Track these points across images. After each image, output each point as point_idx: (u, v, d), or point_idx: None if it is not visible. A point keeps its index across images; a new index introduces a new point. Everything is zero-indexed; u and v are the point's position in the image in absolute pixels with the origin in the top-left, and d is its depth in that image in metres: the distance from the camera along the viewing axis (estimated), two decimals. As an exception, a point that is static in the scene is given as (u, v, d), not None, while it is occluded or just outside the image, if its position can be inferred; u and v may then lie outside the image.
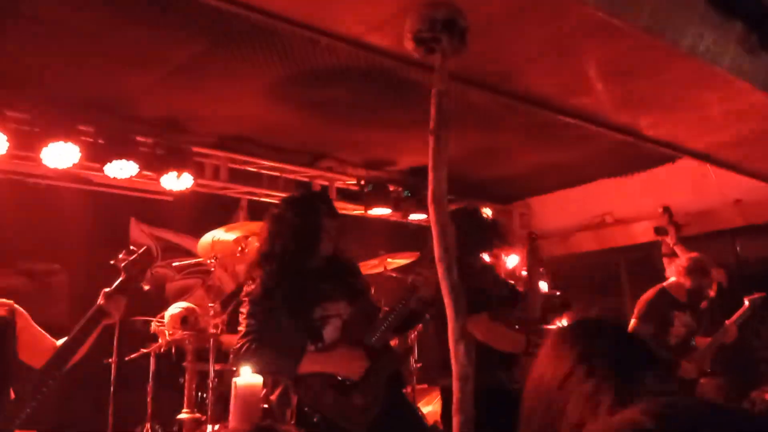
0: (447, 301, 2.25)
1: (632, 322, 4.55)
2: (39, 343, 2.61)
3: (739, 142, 4.71)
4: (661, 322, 4.47)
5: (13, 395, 2.44)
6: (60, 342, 2.59)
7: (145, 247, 2.70)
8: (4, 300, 2.58)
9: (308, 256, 2.92)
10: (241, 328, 2.85)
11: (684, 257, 4.72)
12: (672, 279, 4.67)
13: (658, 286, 4.67)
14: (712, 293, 4.70)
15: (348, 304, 2.92)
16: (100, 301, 2.55)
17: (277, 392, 2.88)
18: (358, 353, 2.77)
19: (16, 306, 2.61)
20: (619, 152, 5.81)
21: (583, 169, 6.52)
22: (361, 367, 2.75)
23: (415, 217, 6.70)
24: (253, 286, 2.88)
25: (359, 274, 3.18)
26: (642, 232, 6.76)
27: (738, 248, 6.50)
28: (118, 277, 2.67)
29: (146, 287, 2.69)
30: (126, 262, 2.64)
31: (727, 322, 4.77)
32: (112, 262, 2.68)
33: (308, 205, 3.03)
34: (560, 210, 7.42)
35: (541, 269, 3.53)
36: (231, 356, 2.83)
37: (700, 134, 4.81)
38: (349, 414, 2.68)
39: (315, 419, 2.66)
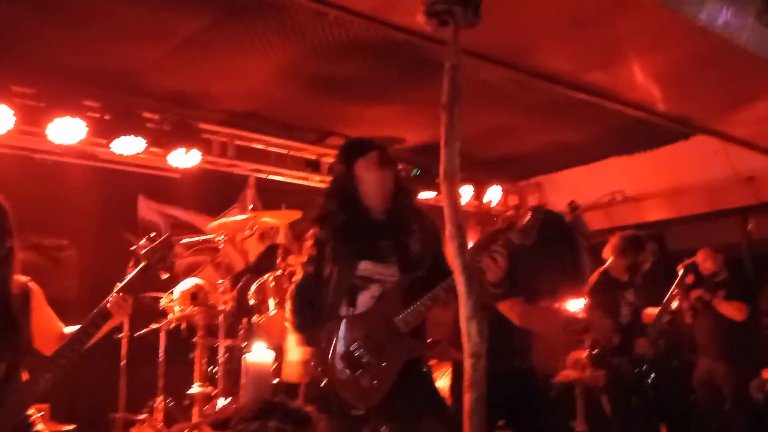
0: (458, 279, 2.21)
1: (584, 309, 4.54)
2: (47, 326, 2.61)
3: (755, 120, 4.65)
4: (609, 304, 4.44)
5: (26, 375, 2.44)
6: (67, 330, 2.59)
7: (165, 235, 2.69)
8: (21, 277, 2.57)
9: (353, 210, 2.78)
10: (296, 277, 2.86)
11: (616, 236, 4.68)
12: (610, 259, 4.61)
13: (600, 269, 4.62)
14: (647, 266, 4.70)
15: (399, 270, 2.74)
16: (106, 303, 2.54)
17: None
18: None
19: (31, 285, 2.61)
20: (631, 130, 5.73)
21: (594, 147, 6.44)
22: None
23: (425, 195, 6.65)
24: (310, 242, 2.84)
25: (431, 236, 2.87)
26: (653, 211, 6.71)
27: (749, 226, 6.45)
28: (129, 257, 2.67)
29: (165, 275, 2.69)
30: (146, 249, 2.63)
31: (670, 291, 4.88)
32: (133, 248, 2.68)
33: (345, 155, 2.90)
34: (571, 188, 7.34)
35: (585, 243, 3.49)
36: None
37: (715, 111, 4.74)
38: (353, 391, 2.65)
39: (322, 383, 2.65)
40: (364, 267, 2.73)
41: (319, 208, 2.88)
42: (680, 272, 5.10)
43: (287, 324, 2.90)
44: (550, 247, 3.15)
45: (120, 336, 4.49)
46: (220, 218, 4.67)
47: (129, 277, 2.62)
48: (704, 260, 5.49)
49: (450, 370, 3.73)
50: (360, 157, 2.84)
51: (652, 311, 4.74)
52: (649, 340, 4.47)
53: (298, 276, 2.85)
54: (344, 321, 2.70)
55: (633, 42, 3.44)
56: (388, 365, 2.67)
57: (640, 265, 4.53)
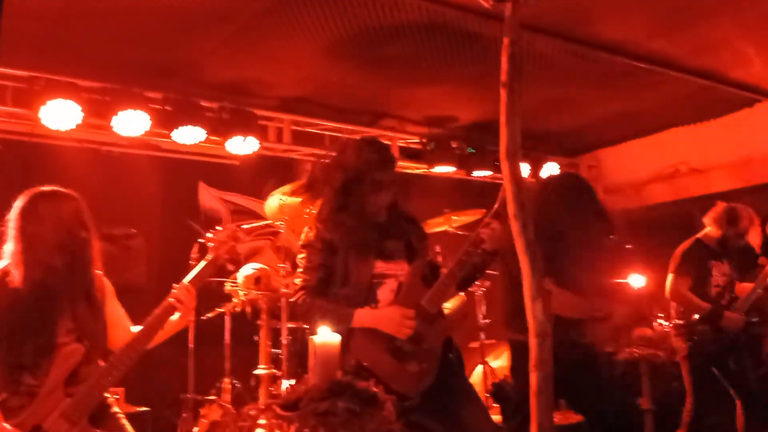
0: (522, 258, 2.19)
1: (670, 276, 4.40)
2: (117, 322, 2.69)
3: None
4: (699, 273, 4.34)
5: (102, 363, 2.55)
6: (134, 329, 2.67)
7: (231, 228, 2.74)
8: (96, 271, 2.67)
9: (364, 208, 2.81)
10: (297, 281, 2.81)
11: (717, 205, 4.51)
12: (707, 229, 4.47)
13: (693, 237, 4.50)
14: (752, 243, 4.51)
15: (407, 264, 2.83)
16: (169, 297, 2.59)
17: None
18: (409, 313, 2.70)
19: (104, 279, 2.71)
20: (694, 98, 5.54)
21: (656, 117, 6.25)
22: (410, 327, 2.68)
23: (480, 173, 6.59)
24: (311, 236, 2.82)
25: (422, 232, 3.05)
26: (718, 181, 6.48)
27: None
28: (193, 243, 2.73)
29: (231, 267, 2.74)
30: (214, 242, 2.69)
31: (766, 269, 4.58)
32: (200, 240, 2.74)
33: (357, 154, 2.86)
34: (631, 161, 7.16)
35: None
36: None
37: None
38: (403, 380, 2.66)
39: (370, 380, 2.66)
40: (378, 266, 2.78)
41: (329, 210, 2.84)
42: None
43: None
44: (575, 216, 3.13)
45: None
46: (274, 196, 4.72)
47: (196, 269, 2.67)
48: None
49: (508, 350, 3.72)
50: (377, 158, 2.85)
51: (747, 286, 4.56)
52: (738, 314, 4.34)
53: (305, 276, 2.79)
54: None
55: (697, 6, 3.30)
56: (431, 347, 2.72)
57: (729, 239, 4.39)
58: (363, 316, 2.69)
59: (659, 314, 5.71)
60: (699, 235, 4.51)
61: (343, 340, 2.69)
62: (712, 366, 4.31)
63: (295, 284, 2.83)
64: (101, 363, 2.54)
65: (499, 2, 2.24)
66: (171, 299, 2.57)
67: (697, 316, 4.32)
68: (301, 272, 2.82)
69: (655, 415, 5.03)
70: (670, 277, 4.42)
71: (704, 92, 4.83)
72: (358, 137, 5.30)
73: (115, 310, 2.72)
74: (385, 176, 2.82)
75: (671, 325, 4.49)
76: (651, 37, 3.59)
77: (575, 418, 4.71)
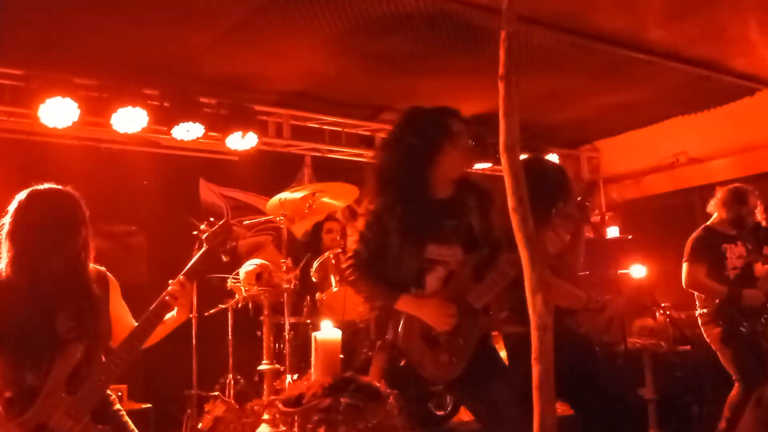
0: (523, 252, 2.19)
1: (684, 265, 4.40)
2: (121, 319, 2.69)
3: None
4: (713, 258, 4.32)
5: (104, 358, 2.55)
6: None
7: (224, 220, 2.73)
8: (98, 266, 2.67)
9: (427, 182, 2.73)
10: (350, 250, 2.77)
11: (719, 190, 4.51)
12: (714, 216, 4.47)
13: (703, 225, 4.50)
14: (762, 221, 4.49)
15: (463, 251, 2.73)
16: (164, 294, 2.58)
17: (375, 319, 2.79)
18: (450, 310, 2.66)
19: (109, 275, 2.71)
20: (693, 88, 5.53)
21: (655, 107, 6.24)
22: (449, 323, 2.65)
23: (480, 166, 6.58)
24: (372, 207, 2.75)
25: (488, 208, 2.83)
26: (718, 171, 6.48)
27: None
28: (194, 240, 2.73)
29: (226, 259, 2.73)
30: (207, 234, 2.69)
31: None
32: (195, 232, 2.73)
33: (430, 119, 2.78)
34: (631, 152, 7.15)
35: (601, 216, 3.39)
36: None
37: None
38: (431, 367, 2.67)
39: (402, 362, 2.67)
40: (430, 249, 2.71)
41: (383, 181, 2.78)
42: None
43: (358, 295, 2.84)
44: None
45: (190, 316, 4.63)
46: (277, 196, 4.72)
47: (191, 263, 2.67)
48: None
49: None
50: (450, 128, 2.76)
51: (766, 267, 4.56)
52: (759, 291, 4.32)
53: (359, 246, 2.74)
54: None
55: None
56: (465, 342, 2.69)
57: (744, 218, 4.38)
58: (407, 303, 2.66)
59: (662, 304, 5.72)
60: (708, 223, 4.50)
61: (384, 314, 2.71)
62: (748, 348, 4.27)
63: (348, 252, 2.79)
64: (103, 360, 2.55)
65: (497, -5, 2.24)
66: (166, 296, 2.56)
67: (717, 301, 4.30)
68: (356, 240, 2.77)
69: (658, 405, 5.06)
70: (684, 267, 4.41)
71: (703, 82, 4.81)
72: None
73: (118, 306, 2.72)
74: (466, 150, 2.74)
75: (698, 314, 4.47)
76: (649, 27, 3.58)
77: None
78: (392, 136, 2.88)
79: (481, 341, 2.74)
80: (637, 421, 4.78)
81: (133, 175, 5.45)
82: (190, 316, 4.62)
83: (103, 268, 2.68)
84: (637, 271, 6.07)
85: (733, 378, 4.27)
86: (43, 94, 4.55)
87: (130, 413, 2.68)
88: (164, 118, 5.07)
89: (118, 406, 2.63)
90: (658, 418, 5.02)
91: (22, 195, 2.53)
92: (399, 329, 2.68)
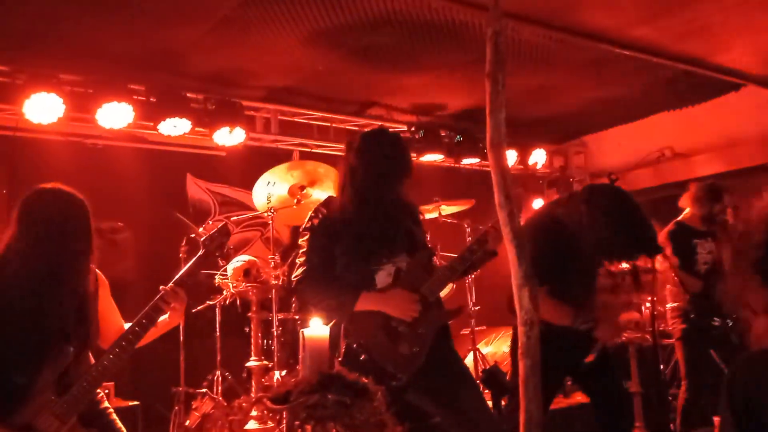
0: (509, 248, 2.21)
1: (656, 260, 4.44)
2: (109, 318, 2.68)
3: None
4: (684, 252, 4.37)
5: (93, 360, 2.54)
6: (127, 326, 2.65)
7: (222, 224, 2.74)
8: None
9: (384, 194, 2.83)
10: (300, 260, 2.82)
11: (693, 185, 4.55)
12: (686, 210, 4.52)
13: (674, 220, 4.54)
14: (729, 218, 4.55)
15: (407, 255, 2.85)
16: (157, 298, 2.58)
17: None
18: (414, 297, 2.76)
19: (99, 273, 2.70)
20: (679, 84, 5.57)
21: (641, 103, 6.29)
22: (415, 311, 2.73)
23: (468, 161, 6.60)
24: (315, 220, 2.83)
25: (419, 219, 3.08)
26: (703, 166, 6.54)
27: (806, 178, 6.22)
28: (182, 236, 2.72)
29: (222, 263, 2.73)
30: (204, 237, 2.69)
31: None
32: (192, 236, 2.73)
33: (392, 141, 2.94)
34: (617, 147, 7.21)
35: None
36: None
37: (767, 60, 4.56)
38: (394, 359, 2.71)
39: (362, 357, 2.69)
40: (377, 260, 2.80)
41: (336, 198, 2.90)
42: None
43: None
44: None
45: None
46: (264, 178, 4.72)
47: (187, 266, 2.67)
48: None
49: (496, 337, 3.75)
50: (386, 147, 2.89)
51: None
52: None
53: (306, 266, 2.79)
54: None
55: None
56: (424, 331, 2.76)
57: (716, 215, 4.43)
58: (369, 299, 2.73)
59: (647, 298, 5.77)
60: (679, 218, 4.54)
61: (335, 327, 2.73)
62: (709, 347, 4.33)
63: (297, 263, 2.83)
64: (92, 361, 2.54)
65: (483, -8, 2.24)
66: (159, 302, 2.56)
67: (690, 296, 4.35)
68: (301, 257, 2.82)
69: (643, 398, 5.10)
70: (657, 260, 4.45)
71: (689, 77, 4.85)
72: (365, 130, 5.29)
73: (107, 305, 2.71)
74: (391, 167, 2.86)
75: (668, 308, 4.52)
76: (635, 24, 3.60)
77: (576, 400, 4.78)
78: (358, 153, 2.89)
79: (440, 333, 2.83)
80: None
81: (119, 171, 5.41)
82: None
83: (92, 266, 2.67)
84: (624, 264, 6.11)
85: (681, 376, 4.34)
86: (28, 89, 4.51)
87: (117, 410, 2.68)
88: (151, 113, 5.03)
89: (106, 404, 2.63)
90: (644, 411, 5.08)
91: (23, 195, 2.51)
92: (357, 325, 2.72)
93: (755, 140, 6.09)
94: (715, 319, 4.29)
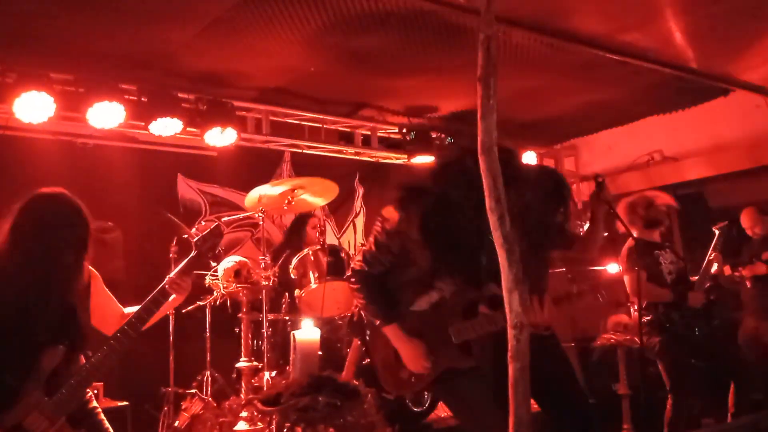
0: (500, 251, 2.22)
1: (625, 277, 4.48)
2: (107, 308, 2.70)
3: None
4: (650, 264, 4.40)
5: (83, 360, 2.54)
6: (127, 310, 2.69)
7: (215, 225, 2.75)
8: None
9: (446, 229, 2.68)
10: (367, 248, 2.76)
11: (621, 206, 4.58)
12: (634, 232, 4.52)
13: (630, 238, 4.45)
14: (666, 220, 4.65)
15: (461, 285, 2.75)
16: (164, 283, 2.62)
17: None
18: (427, 362, 2.69)
19: (91, 268, 2.70)
20: (668, 88, 5.61)
21: (631, 107, 6.32)
22: (422, 371, 2.69)
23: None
24: (400, 226, 2.70)
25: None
26: (691, 169, 6.60)
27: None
28: (172, 236, 2.73)
29: (214, 264, 2.76)
30: (197, 238, 2.70)
31: (714, 253, 4.86)
32: (185, 236, 2.75)
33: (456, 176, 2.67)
34: (607, 150, 7.25)
35: (610, 211, 3.43)
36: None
37: (755, 66, 4.61)
38: (389, 378, 2.72)
39: (365, 361, 2.71)
40: (438, 280, 2.74)
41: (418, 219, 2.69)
42: (716, 235, 4.98)
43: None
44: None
45: (167, 313, 4.61)
46: (256, 189, 4.72)
47: (181, 265, 2.68)
48: (753, 225, 5.38)
49: None
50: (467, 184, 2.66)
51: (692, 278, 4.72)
52: (699, 292, 4.46)
53: (370, 264, 2.75)
54: (403, 316, 2.75)
55: (670, -1, 3.36)
56: (431, 369, 2.71)
57: (659, 223, 4.50)
58: (393, 332, 2.70)
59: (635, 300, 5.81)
60: (631, 237, 4.53)
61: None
62: (689, 357, 4.38)
63: (358, 259, 2.79)
64: (83, 362, 2.54)
65: (475, -2, 2.26)
66: (164, 289, 2.60)
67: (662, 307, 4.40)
68: (369, 251, 2.76)
69: (632, 400, 5.14)
70: (626, 278, 4.49)
71: (678, 82, 4.89)
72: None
73: (103, 297, 2.72)
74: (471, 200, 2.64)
75: (643, 322, 4.55)
76: (624, 29, 3.63)
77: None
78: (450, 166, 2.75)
79: (445, 374, 2.74)
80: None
81: (109, 171, 5.40)
82: (168, 313, 4.61)
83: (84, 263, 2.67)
84: (613, 267, 6.16)
85: (667, 390, 4.38)
86: (18, 88, 4.49)
87: (106, 411, 2.69)
88: (142, 113, 5.03)
89: (94, 403, 2.63)
90: (632, 414, 5.12)
91: (22, 198, 2.51)
92: (374, 333, 2.74)
93: (743, 145, 6.15)
94: (691, 327, 4.34)
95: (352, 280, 2.76)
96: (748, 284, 5.26)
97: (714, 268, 4.90)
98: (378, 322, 2.71)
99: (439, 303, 2.74)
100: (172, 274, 2.64)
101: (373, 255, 2.75)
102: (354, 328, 2.77)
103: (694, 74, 4.40)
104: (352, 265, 2.82)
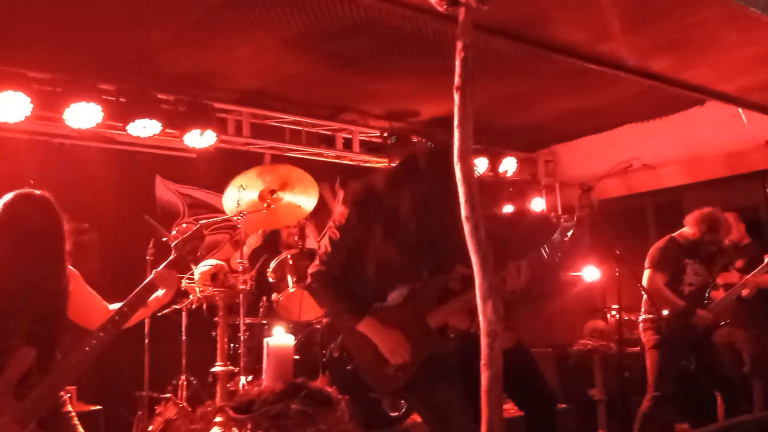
0: (475, 259, 2.23)
1: (647, 272, 4.52)
2: (90, 305, 2.67)
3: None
4: (674, 269, 4.45)
5: (59, 356, 2.51)
6: (112, 307, 2.65)
7: (196, 227, 2.73)
8: None
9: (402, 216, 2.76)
10: (322, 252, 2.78)
11: (700, 210, 4.64)
12: (684, 229, 4.61)
13: (668, 236, 4.63)
14: (725, 245, 4.69)
15: (429, 273, 2.81)
16: (151, 277, 2.59)
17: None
18: (406, 347, 2.71)
19: (70, 267, 2.67)
20: (647, 97, 5.68)
21: (610, 114, 6.40)
22: (402, 360, 2.70)
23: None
24: (350, 221, 2.77)
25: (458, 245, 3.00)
26: (669, 177, 6.68)
27: (768, 190, 6.39)
28: (149, 239, 2.72)
29: (194, 266, 2.74)
30: (177, 240, 2.68)
31: (746, 278, 4.84)
32: (164, 239, 2.74)
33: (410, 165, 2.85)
34: (586, 157, 7.32)
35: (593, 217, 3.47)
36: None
37: (730, 77, 4.68)
38: (375, 376, 2.73)
39: (348, 367, 2.70)
40: (403, 269, 2.77)
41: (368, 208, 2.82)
42: (766, 262, 4.88)
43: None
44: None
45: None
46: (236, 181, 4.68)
47: (166, 262, 2.67)
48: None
49: None
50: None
51: (718, 294, 4.75)
52: (710, 314, 4.47)
53: (328, 264, 2.77)
54: (377, 312, 2.76)
55: (646, 9, 3.39)
56: (413, 359, 2.73)
57: (708, 243, 4.49)
58: (368, 326, 2.71)
59: (612, 306, 5.86)
60: (674, 233, 4.62)
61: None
62: (680, 359, 4.42)
63: (315, 263, 2.80)
64: (56, 363, 2.50)
65: (453, 6, 2.26)
66: (151, 283, 2.57)
67: (666, 312, 4.43)
68: (324, 252, 2.79)
69: (607, 406, 5.19)
70: (647, 273, 4.52)
71: (656, 91, 4.95)
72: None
73: (84, 295, 2.69)
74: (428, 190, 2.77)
75: (641, 319, 4.59)
76: (602, 39, 3.67)
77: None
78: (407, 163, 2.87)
79: (430, 360, 2.77)
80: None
81: (86, 171, 5.33)
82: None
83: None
84: (590, 273, 6.21)
85: (647, 385, 4.42)
86: (-7, 87, 4.43)
87: (79, 415, 2.65)
88: (120, 113, 4.98)
89: (69, 407, 2.59)
90: (608, 419, 5.16)
91: (3, 199, 2.49)
92: (351, 335, 2.72)
93: (718, 154, 6.25)
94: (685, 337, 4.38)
95: (313, 285, 2.76)
96: (722, 292, 5.32)
97: (744, 292, 4.87)
98: (349, 323, 2.72)
99: (412, 294, 2.77)
100: (159, 268, 2.61)
101: (330, 255, 2.77)
102: (329, 335, 2.77)
103: (671, 84, 4.46)
104: (309, 271, 2.83)
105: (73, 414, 2.60)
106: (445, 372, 2.86)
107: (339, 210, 2.86)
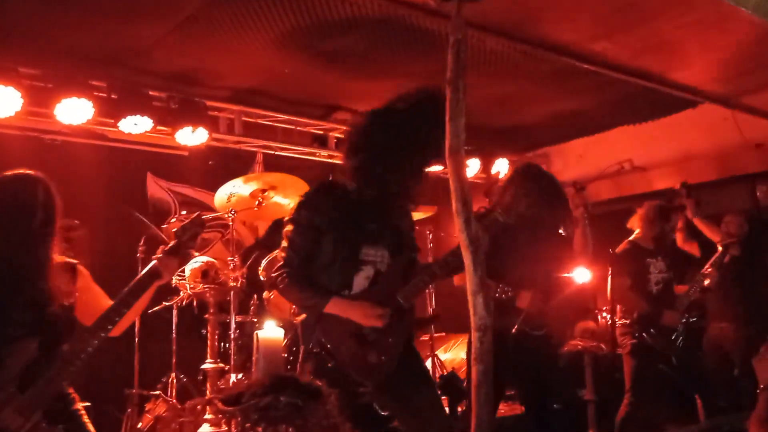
0: (465, 254, 2.23)
1: (609, 279, 4.54)
2: (97, 303, 2.62)
3: (763, 87, 4.60)
4: (637, 272, 4.46)
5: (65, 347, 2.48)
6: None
7: (196, 214, 2.71)
8: (68, 259, 2.61)
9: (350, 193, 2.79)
10: (282, 255, 2.77)
11: (644, 206, 4.67)
12: (636, 231, 4.63)
13: (626, 240, 4.63)
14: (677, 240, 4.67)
15: (390, 254, 2.81)
16: (153, 263, 2.56)
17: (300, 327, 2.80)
18: (380, 309, 2.71)
19: (79, 266, 2.64)
20: (639, 99, 5.70)
21: (602, 116, 6.42)
22: (381, 321, 2.70)
23: (432, 168, 6.63)
24: (302, 214, 2.77)
25: (411, 221, 3.03)
26: (660, 179, 6.71)
27: (758, 193, 6.42)
28: (140, 236, 2.69)
29: (195, 254, 2.70)
30: (177, 228, 2.66)
31: (705, 268, 4.84)
32: (163, 226, 2.70)
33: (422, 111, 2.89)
34: (578, 158, 7.34)
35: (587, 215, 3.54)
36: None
37: (722, 79, 4.70)
38: (361, 368, 2.70)
39: (329, 364, 2.68)
40: (364, 251, 2.77)
41: (321, 190, 2.87)
42: (720, 251, 4.90)
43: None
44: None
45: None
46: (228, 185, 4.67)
47: (167, 248, 2.62)
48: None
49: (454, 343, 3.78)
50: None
51: (682, 287, 4.75)
52: (677, 312, 4.50)
53: (289, 251, 2.76)
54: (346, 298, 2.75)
55: (638, 9, 3.41)
56: (394, 341, 2.74)
57: (667, 235, 4.53)
58: (336, 304, 2.69)
59: (604, 308, 5.87)
60: (631, 238, 4.63)
61: (312, 317, 2.72)
62: (658, 363, 4.44)
63: (280, 255, 2.79)
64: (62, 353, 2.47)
65: (445, 1, 2.27)
66: (153, 268, 2.54)
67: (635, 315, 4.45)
68: (285, 248, 2.78)
69: (597, 406, 5.19)
70: (609, 280, 4.54)
71: (647, 93, 4.97)
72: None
73: (93, 294, 2.64)
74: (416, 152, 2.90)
75: (618, 324, 4.60)
76: (594, 38, 3.68)
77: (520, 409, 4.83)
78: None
79: (409, 341, 2.82)
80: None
81: (77, 168, 5.30)
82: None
83: (72, 261, 2.62)
84: (581, 274, 6.22)
85: (625, 390, 4.43)
86: (-17, 82, 4.40)
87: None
88: (111, 110, 4.95)
89: (78, 405, 2.56)
90: (598, 419, 5.16)
91: None
92: (328, 330, 2.70)
93: (711, 156, 6.28)
94: (658, 340, 4.39)
95: (281, 285, 2.73)
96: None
97: (707, 282, 4.84)
98: (317, 307, 2.69)
99: (377, 278, 2.78)
100: (160, 255, 2.58)
101: (289, 250, 2.76)
102: (306, 333, 2.73)
103: (662, 85, 4.48)
104: (273, 274, 2.79)
105: (83, 413, 2.57)
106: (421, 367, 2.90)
107: (299, 199, 2.86)
